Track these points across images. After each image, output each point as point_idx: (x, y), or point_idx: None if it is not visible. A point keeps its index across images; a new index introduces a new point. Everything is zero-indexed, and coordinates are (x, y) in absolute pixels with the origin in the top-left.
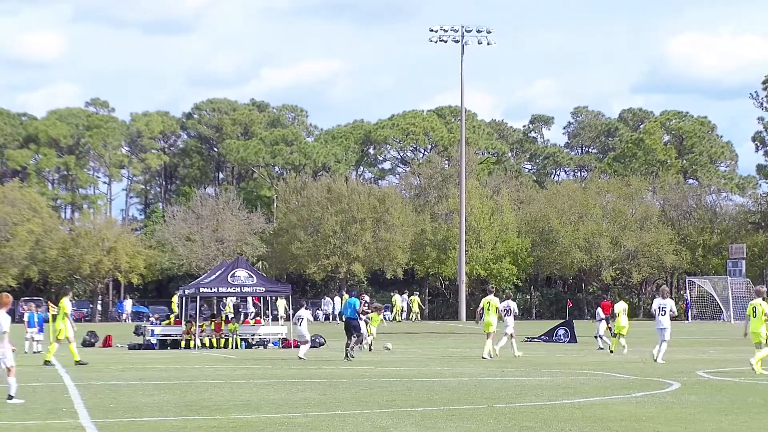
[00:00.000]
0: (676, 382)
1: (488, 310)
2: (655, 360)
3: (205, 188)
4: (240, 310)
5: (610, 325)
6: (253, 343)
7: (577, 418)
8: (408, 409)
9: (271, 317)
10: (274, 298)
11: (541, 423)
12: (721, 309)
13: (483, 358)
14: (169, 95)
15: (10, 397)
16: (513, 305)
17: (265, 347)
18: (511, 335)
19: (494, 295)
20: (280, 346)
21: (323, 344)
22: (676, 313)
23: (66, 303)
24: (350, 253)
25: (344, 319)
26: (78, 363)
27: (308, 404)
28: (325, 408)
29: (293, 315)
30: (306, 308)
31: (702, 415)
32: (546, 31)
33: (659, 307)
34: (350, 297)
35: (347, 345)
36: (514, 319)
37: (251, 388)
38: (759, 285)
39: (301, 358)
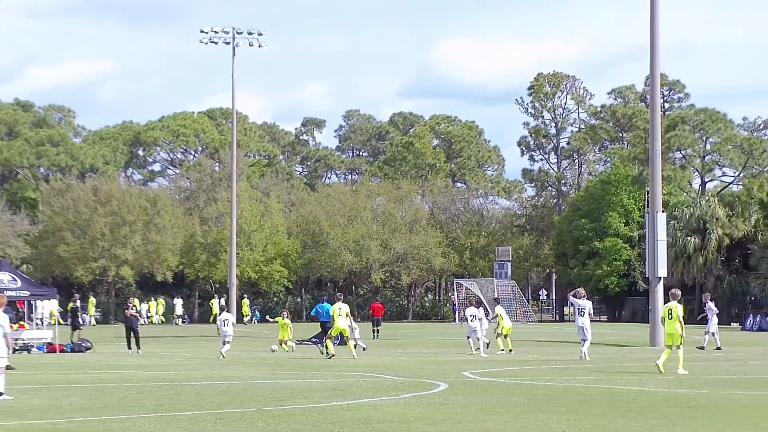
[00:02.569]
0: (444, 382)
1: (339, 315)
2: (584, 358)
3: None
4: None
5: (378, 327)
6: (17, 348)
7: (346, 419)
8: (176, 413)
9: (35, 321)
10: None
11: (311, 425)
12: (488, 311)
13: (328, 356)
14: None
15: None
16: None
17: (29, 352)
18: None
19: (342, 301)
20: (45, 351)
21: (89, 348)
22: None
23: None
24: (119, 256)
25: (320, 322)
26: None
27: (73, 410)
28: (91, 413)
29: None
30: (228, 311)
31: (468, 415)
32: (317, 34)
33: (579, 309)
34: (323, 302)
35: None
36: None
37: (14, 394)
38: (673, 288)
39: (223, 357)
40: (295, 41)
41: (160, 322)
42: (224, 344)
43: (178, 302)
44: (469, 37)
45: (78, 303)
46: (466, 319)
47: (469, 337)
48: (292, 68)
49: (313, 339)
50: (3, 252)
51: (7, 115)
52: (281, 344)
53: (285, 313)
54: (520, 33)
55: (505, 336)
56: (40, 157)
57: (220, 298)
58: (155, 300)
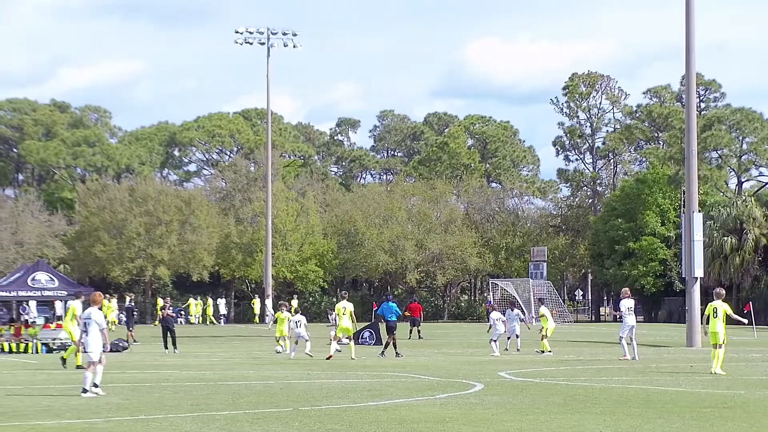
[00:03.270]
0: (479, 383)
1: (344, 314)
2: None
3: (3, 190)
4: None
5: (418, 328)
6: (55, 347)
7: (382, 420)
8: (213, 413)
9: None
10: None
11: (347, 425)
12: (523, 311)
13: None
14: None
15: (84, 390)
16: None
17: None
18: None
19: (347, 300)
20: (82, 350)
21: (126, 348)
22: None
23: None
24: (155, 256)
25: (384, 321)
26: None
27: (110, 409)
28: (128, 413)
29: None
30: (302, 313)
31: (504, 415)
32: (350, 34)
33: (628, 308)
34: (389, 301)
35: (394, 345)
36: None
37: (52, 394)
38: (718, 288)
39: (310, 355)
40: (329, 41)
41: (190, 322)
42: (297, 344)
43: (221, 302)
44: (501, 36)
45: (132, 303)
46: (492, 325)
47: (510, 337)
48: (325, 68)
49: (346, 338)
50: (41, 252)
51: (44, 115)
52: (278, 341)
53: (284, 307)
54: (552, 32)
55: (544, 336)
56: (76, 158)
57: (266, 298)
58: (194, 300)
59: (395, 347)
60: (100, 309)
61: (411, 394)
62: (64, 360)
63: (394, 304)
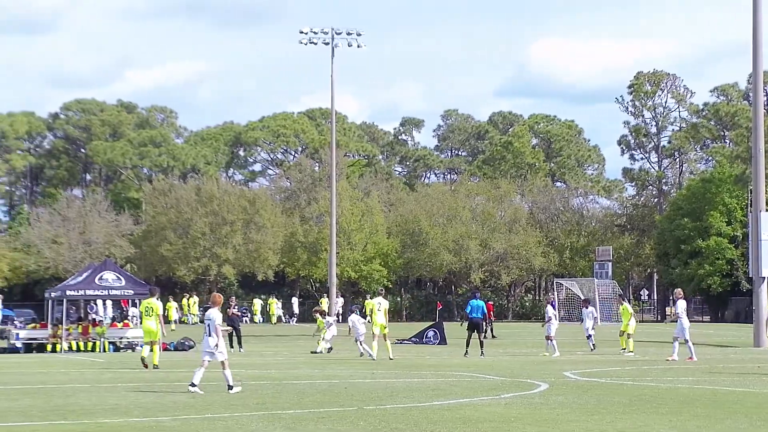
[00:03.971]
0: (544, 383)
1: (378, 310)
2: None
3: (71, 190)
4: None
5: (491, 326)
6: (122, 346)
7: (447, 419)
8: (278, 411)
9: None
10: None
11: (412, 425)
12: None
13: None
14: (30, 96)
15: (230, 387)
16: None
17: (133, 350)
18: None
19: (383, 297)
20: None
21: (192, 347)
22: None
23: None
24: (220, 255)
25: (469, 319)
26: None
27: (177, 408)
28: (195, 411)
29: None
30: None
31: (569, 415)
32: (413, 34)
33: (683, 309)
34: (476, 299)
35: (470, 343)
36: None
37: (119, 392)
38: None
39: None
40: (392, 41)
41: (260, 321)
42: (357, 341)
43: (294, 301)
44: (565, 35)
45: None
46: (549, 321)
47: (589, 336)
48: (389, 68)
49: (413, 338)
50: (108, 251)
51: (111, 116)
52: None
53: (318, 314)
54: (617, 31)
55: (623, 333)
56: (142, 158)
57: (333, 297)
58: (262, 299)
59: (467, 346)
60: (220, 310)
61: (475, 393)
62: (143, 360)
63: (482, 302)
